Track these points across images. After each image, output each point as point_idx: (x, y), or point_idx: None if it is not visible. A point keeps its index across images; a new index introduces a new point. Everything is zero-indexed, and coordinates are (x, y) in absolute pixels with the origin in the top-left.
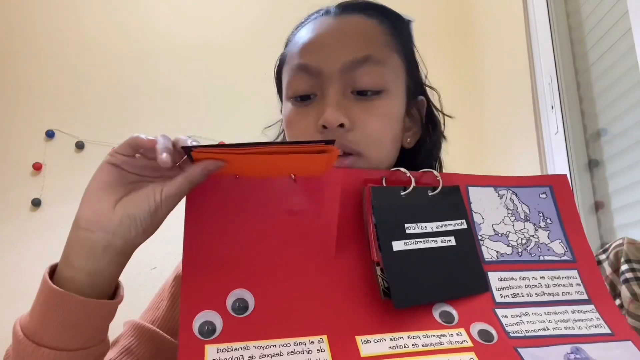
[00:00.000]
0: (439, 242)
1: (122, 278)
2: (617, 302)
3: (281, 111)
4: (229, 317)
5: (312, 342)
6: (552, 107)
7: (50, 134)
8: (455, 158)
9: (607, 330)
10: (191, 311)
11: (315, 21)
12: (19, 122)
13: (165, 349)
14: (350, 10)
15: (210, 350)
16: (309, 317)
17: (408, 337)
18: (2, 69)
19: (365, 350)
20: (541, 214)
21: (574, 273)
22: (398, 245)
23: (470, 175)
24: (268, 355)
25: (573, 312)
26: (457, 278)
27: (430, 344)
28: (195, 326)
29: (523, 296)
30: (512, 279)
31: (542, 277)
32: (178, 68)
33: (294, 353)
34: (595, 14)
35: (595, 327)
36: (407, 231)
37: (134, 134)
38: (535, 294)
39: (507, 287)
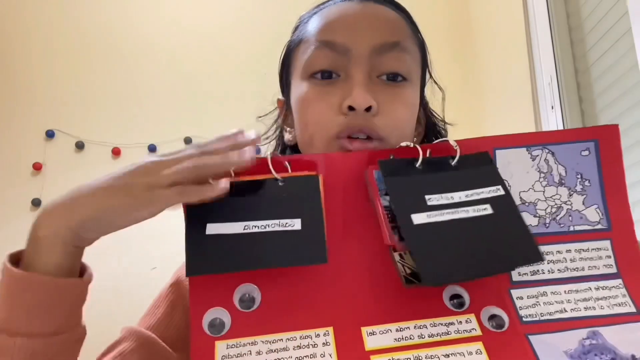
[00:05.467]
0: (470, 212)
1: (123, 278)
2: None
3: (279, 99)
4: (237, 313)
5: (317, 336)
6: (552, 107)
7: (50, 134)
8: None
9: (631, 309)
10: (200, 309)
11: (337, 4)
12: (19, 122)
13: (159, 356)
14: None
15: (220, 347)
16: (316, 309)
17: (414, 327)
18: (2, 69)
19: (370, 343)
20: (579, 175)
21: (606, 244)
22: (419, 218)
23: (498, 137)
24: (275, 350)
25: (597, 288)
26: (498, 250)
27: (437, 334)
28: (205, 324)
29: (544, 273)
30: None
31: (569, 251)
32: (178, 67)
33: (300, 347)
34: (595, 14)
35: (619, 305)
36: (429, 203)
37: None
38: (558, 269)
39: None
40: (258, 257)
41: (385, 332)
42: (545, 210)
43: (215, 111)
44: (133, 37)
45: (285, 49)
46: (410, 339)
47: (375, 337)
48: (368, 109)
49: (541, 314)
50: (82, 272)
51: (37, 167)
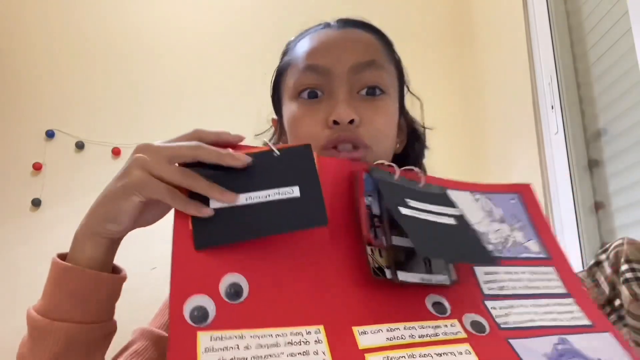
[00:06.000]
0: (439, 219)
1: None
2: (617, 302)
3: (273, 118)
4: (222, 303)
5: (309, 333)
6: (552, 107)
7: (50, 134)
8: (456, 158)
9: (587, 322)
10: (181, 295)
11: (318, 32)
12: (19, 122)
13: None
14: (350, 24)
15: (203, 338)
16: (304, 305)
17: (404, 328)
18: (1, 69)
19: (363, 341)
20: (514, 216)
21: (551, 270)
22: (405, 211)
23: (448, 180)
24: (265, 346)
25: (555, 304)
26: (463, 246)
27: (427, 335)
28: (186, 311)
29: (509, 289)
30: (497, 272)
31: (524, 272)
32: (178, 67)
33: (291, 344)
34: (595, 14)
35: (577, 319)
36: (409, 204)
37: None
38: (520, 287)
39: (493, 280)
40: (262, 225)
41: (376, 332)
42: (496, 239)
43: (215, 111)
44: (133, 37)
45: (275, 75)
46: (402, 338)
47: (368, 336)
48: (351, 121)
49: (514, 322)
50: (118, 272)
51: (37, 167)
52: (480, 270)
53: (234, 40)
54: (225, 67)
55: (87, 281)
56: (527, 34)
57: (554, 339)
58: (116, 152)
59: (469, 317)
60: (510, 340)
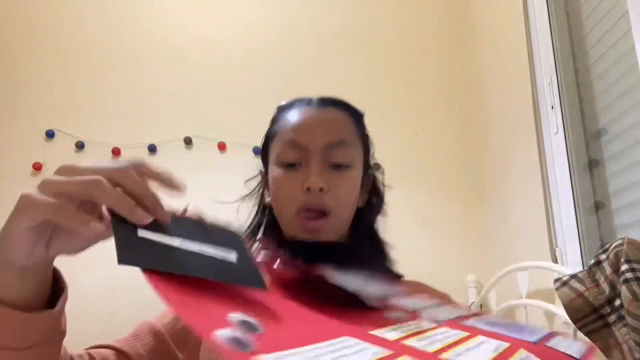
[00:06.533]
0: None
1: (121, 278)
2: (617, 302)
3: (261, 170)
4: (248, 334)
5: (345, 340)
6: (552, 107)
7: (50, 134)
8: (456, 158)
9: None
10: (208, 329)
11: (301, 109)
12: (19, 122)
13: (164, 349)
14: (328, 104)
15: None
16: (319, 329)
17: (401, 327)
18: (1, 69)
19: (388, 336)
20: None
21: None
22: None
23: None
24: (322, 355)
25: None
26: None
27: (421, 327)
28: (224, 342)
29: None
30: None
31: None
32: (178, 67)
33: (341, 349)
34: (595, 14)
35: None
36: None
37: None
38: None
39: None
40: (197, 267)
41: (389, 331)
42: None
43: (215, 111)
44: (133, 37)
45: (264, 139)
46: (410, 330)
47: (387, 333)
48: (321, 189)
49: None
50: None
51: (37, 167)
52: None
53: (234, 40)
54: (226, 67)
55: (11, 324)
56: (527, 34)
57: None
58: (116, 152)
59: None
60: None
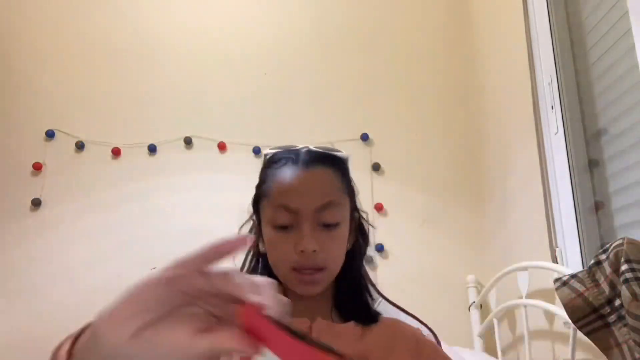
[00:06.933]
0: None
1: (123, 279)
2: (617, 302)
3: (253, 219)
4: None
5: None
6: (552, 107)
7: (50, 134)
8: (456, 158)
9: None
10: None
11: (288, 169)
12: (19, 122)
13: None
14: (314, 162)
15: None
16: None
17: None
18: (2, 69)
19: None
20: None
21: None
22: None
23: None
24: None
25: None
26: None
27: None
28: None
29: None
30: None
31: None
32: (178, 68)
33: None
34: (595, 14)
35: None
36: None
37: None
38: None
39: None
40: None
41: None
42: None
43: (215, 111)
44: (133, 37)
45: (255, 195)
46: None
47: None
48: (314, 250)
49: None
50: None
51: (37, 167)
52: None
53: (234, 40)
54: (226, 67)
55: None
56: (527, 34)
57: None
58: (116, 152)
59: None
60: None
